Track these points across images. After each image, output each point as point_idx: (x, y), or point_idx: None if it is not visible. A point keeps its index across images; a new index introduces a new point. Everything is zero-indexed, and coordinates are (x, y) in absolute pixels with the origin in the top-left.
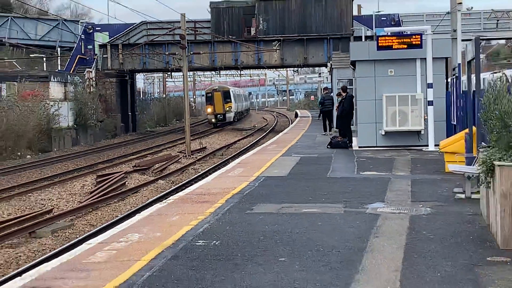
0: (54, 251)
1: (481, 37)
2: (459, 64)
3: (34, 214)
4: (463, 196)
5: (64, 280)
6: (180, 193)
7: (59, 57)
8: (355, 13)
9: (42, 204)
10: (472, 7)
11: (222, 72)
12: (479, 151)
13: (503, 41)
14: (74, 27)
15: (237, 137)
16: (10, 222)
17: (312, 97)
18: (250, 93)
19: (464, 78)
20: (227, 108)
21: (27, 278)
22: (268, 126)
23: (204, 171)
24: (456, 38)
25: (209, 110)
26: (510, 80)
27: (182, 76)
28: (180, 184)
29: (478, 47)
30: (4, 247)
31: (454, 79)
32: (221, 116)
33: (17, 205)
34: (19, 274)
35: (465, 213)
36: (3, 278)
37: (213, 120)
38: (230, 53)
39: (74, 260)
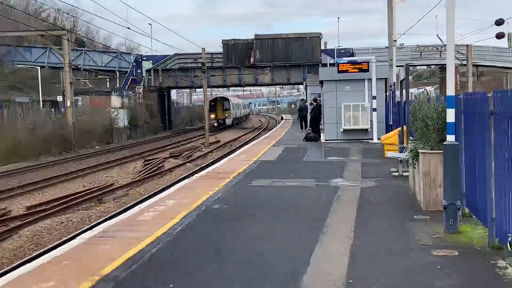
0: (115, 212)
1: (409, 64)
2: (394, 82)
3: (101, 187)
4: (397, 174)
5: (122, 232)
6: (202, 172)
7: (117, 78)
8: (322, 47)
9: (107, 180)
10: (403, 43)
11: (231, 88)
12: (408, 142)
13: (424, 67)
14: (128, 57)
15: (241, 133)
16: (84, 193)
17: (293, 105)
18: (249, 103)
19: (397, 92)
20: (226, 115)
21: (97, 231)
22: (262, 126)
23: (218, 157)
24: (392, 65)
25: (212, 116)
26: (429, 94)
27: (202, 91)
28: (202, 166)
29: (408, 71)
30: (80, 210)
31: (391, 93)
32: (221, 121)
33: (89, 180)
34: (91, 228)
35: (398, 185)
36: (80, 230)
37: (215, 124)
38: (236, 75)
39: (129, 218)
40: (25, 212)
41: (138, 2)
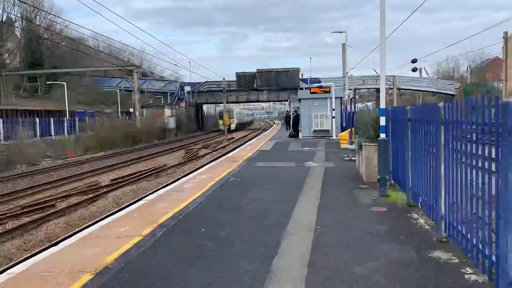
0: (167, 183)
1: (356, 88)
2: (346, 100)
3: (157, 167)
4: (348, 158)
5: (172, 195)
6: (223, 157)
7: (168, 97)
8: (300, 77)
9: (162, 162)
10: (352, 74)
11: (242, 103)
12: (355, 138)
13: (366, 90)
14: (175, 84)
15: (248, 133)
16: (146, 171)
17: (281, 115)
18: (253, 113)
19: (348, 106)
20: (231, 121)
21: (155, 194)
22: (262, 128)
23: (233, 148)
24: (345, 88)
25: (220, 122)
26: (369, 108)
27: (223, 105)
28: (222, 153)
29: (355, 92)
30: (145, 181)
31: (344, 107)
32: (227, 126)
33: (150, 163)
34: (152, 193)
35: (349, 166)
36: (146, 194)
37: (222, 127)
38: (245, 95)
39: (176, 186)
40: (110, 183)
41: (182, 48)
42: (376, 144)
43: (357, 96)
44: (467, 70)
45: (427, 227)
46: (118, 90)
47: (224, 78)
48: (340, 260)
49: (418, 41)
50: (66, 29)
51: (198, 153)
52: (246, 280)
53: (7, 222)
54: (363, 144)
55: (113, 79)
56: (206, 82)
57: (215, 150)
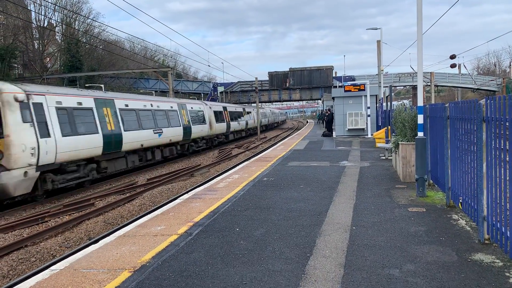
0: (201, 182)
1: (392, 85)
2: (382, 97)
3: (192, 166)
4: (384, 158)
5: (206, 194)
6: (255, 157)
7: (202, 98)
8: (333, 75)
9: (196, 162)
10: (387, 72)
11: (274, 103)
12: (391, 137)
13: (402, 87)
14: (209, 84)
15: (280, 132)
16: (181, 170)
17: (314, 113)
18: (286, 112)
19: (384, 104)
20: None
21: (190, 194)
22: (294, 127)
23: (265, 147)
24: (380, 86)
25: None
26: (405, 105)
27: (256, 105)
28: (255, 153)
29: (391, 90)
30: (180, 181)
31: (379, 105)
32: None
33: (185, 162)
34: (187, 192)
35: (385, 165)
36: (181, 193)
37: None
38: (277, 94)
39: (210, 186)
40: (146, 182)
41: (217, 48)
42: (414, 143)
43: (393, 93)
44: (510, 65)
45: (468, 228)
46: (154, 92)
47: (256, 78)
48: (377, 262)
49: (457, 36)
50: (104, 32)
51: (231, 153)
52: (281, 280)
53: (49, 220)
54: (400, 143)
55: (149, 81)
56: (239, 82)
57: (247, 150)
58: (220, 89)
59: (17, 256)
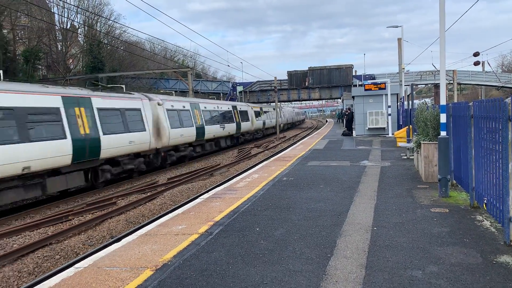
0: (221, 181)
1: (413, 84)
2: (403, 96)
3: (212, 166)
4: (405, 157)
5: (225, 194)
6: (274, 156)
7: (221, 97)
8: (353, 74)
9: (215, 162)
10: (408, 70)
11: (293, 102)
12: (413, 136)
13: (423, 85)
14: (228, 84)
15: (299, 131)
16: (201, 170)
17: (333, 112)
18: (305, 111)
19: (405, 102)
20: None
21: (210, 193)
22: (313, 126)
23: (285, 147)
24: (401, 84)
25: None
26: (427, 104)
27: (275, 104)
28: (274, 152)
29: (412, 88)
30: (199, 180)
31: (401, 103)
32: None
33: (204, 162)
34: (207, 192)
35: (406, 165)
36: (201, 192)
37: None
38: (296, 93)
39: (229, 185)
40: (167, 182)
41: (236, 48)
42: (436, 142)
43: (414, 92)
44: None
45: (492, 229)
46: (174, 92)
47: (275, 77)
48: (398, 263)
49: (480, 33)
50: (124, 34)
51: (250, 152)
52: (302, 280)
53: (73, 219)
54: (422, 142)
55: (169, 81)
56: (258, 81)
57: (267, 149)
58: (239, 88)
59: (42, 253)
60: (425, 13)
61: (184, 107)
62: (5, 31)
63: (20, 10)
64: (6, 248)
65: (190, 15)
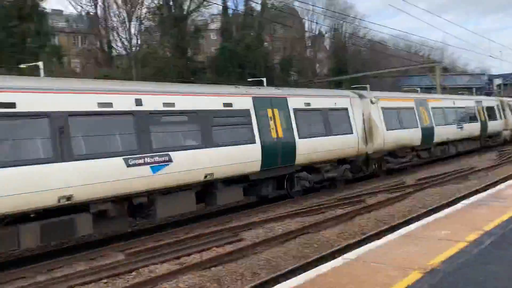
0: (479, 186)
1: None
2: None
3: (465, 168)
4: None
5: (491, 202)
6: None
7: (474, 93)
8: None
9: (468, 164)
10: None
11: None
12: None
13: None
14: (481, 77)
15: None
16: (453, 171)
17: None
18: None
19: None
20: None
21: (471, 199)
22: None
23: None
24: None
25: None
26: None
27: None
28: None
29: None
30: (451, 184)
31: None
32: None
33: (454, 165)
34: (464, 197)
35: None
36: (457, 196)
37: None
38: None
39: (495, 192)
40: (415, 183)
41: (490, 35)
42: None
43: None
44: None
45: None
46: (418, 89)
47: None
48: None
49: None
50: (368, 34)
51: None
52: None
53: (326, 212)
54: None
55: (411, 77)
56: None
57: None
58: (497, 81)
59: (301, 240)
60: None
61: (406, 104)
62: (266, 44)
63: (278, 21)
64: (273, 231)
65: (436, 7)
